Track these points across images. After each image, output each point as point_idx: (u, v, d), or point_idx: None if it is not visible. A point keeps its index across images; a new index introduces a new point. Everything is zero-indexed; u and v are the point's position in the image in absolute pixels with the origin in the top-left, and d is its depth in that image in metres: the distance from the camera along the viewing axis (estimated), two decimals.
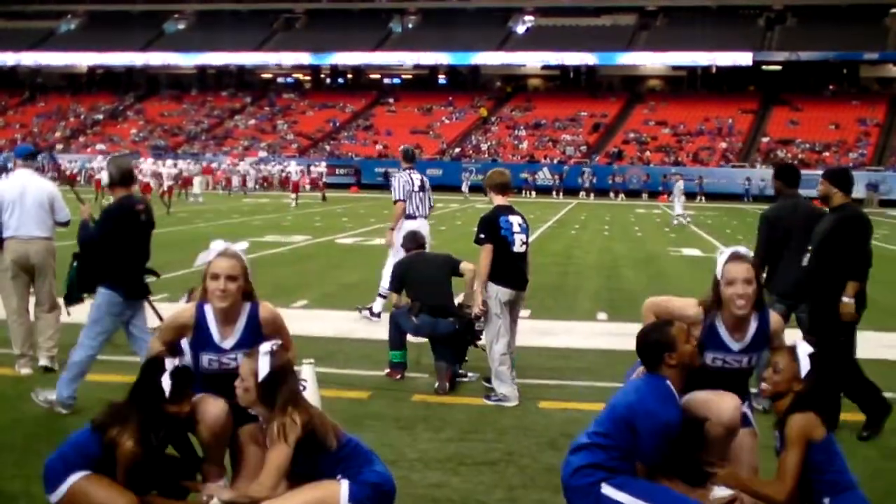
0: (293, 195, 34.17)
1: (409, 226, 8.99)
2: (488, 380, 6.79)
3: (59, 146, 52.17)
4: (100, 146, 51.10)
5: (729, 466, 4.19)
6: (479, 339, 7.02)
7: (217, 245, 4.53)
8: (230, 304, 4.47)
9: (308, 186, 41.84)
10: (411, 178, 9.75)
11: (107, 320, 6.10)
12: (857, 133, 47.40)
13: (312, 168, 44.80)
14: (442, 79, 61.30)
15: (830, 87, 52.60)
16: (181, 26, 60.42)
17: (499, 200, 6.78)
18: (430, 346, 7.08)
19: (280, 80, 63.41)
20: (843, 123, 48.07)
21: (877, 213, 31.24)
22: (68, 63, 60.43)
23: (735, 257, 4.52)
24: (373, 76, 61.98)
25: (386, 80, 61.98)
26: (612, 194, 44.59)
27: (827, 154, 45.48)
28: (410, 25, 60.26)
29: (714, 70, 54.81)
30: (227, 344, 4.54)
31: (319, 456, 4.08)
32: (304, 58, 58.23)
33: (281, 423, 4.06)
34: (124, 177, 6.25)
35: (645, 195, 44.39)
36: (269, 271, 13.18)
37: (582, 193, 44.89)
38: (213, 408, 4.34)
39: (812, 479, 3.81)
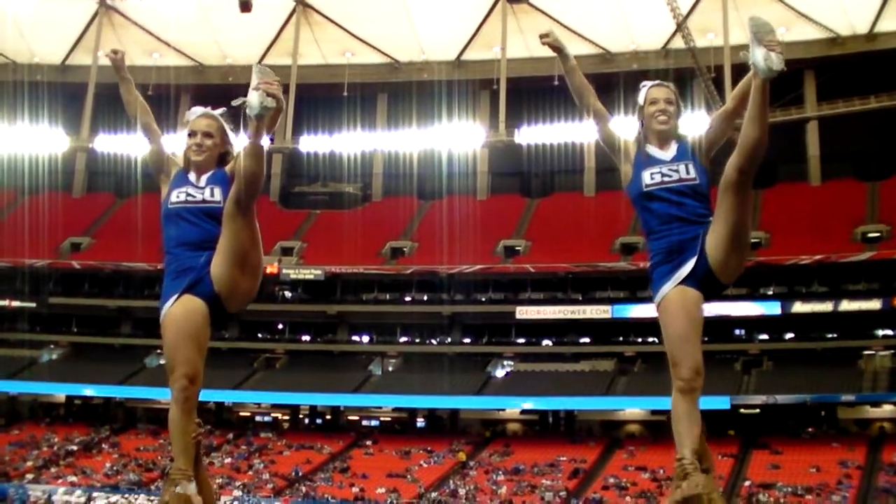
0: None
1: None
2: None
3: (30, 476, 50.95)
4: (71, 478, 50.00)
5: None
6: None
7: (196, 108, 4.92)
8: (205, 160, 4.75)
9: None
10: None
11: None
12: (839, 475, 46.97)
13: None
14: (421, 422, 61.27)
15: (809, 429, 52.84)
16: (162, 361, 60.87)
17: None
18: None
19: (258, 418, 63.27)
20: (823, 466, 47.81)
21: None
22: (47, 392, 60.47)
23: (657, 84, 4.86)
24: (351, 418, 61.92)
25: (364, 422, 61.87)
26: None
27: (809, 497, 44.87)
28: (391, 368, 60.98)
29: None
30: (199, 183, 5.03)
31: None
32: (283, 397, 58.45)
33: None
34: None
35: None
36: None
37: None
38: None
39: None
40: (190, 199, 4.96)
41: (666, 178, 5.02)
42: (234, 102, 4.98)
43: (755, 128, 4.72)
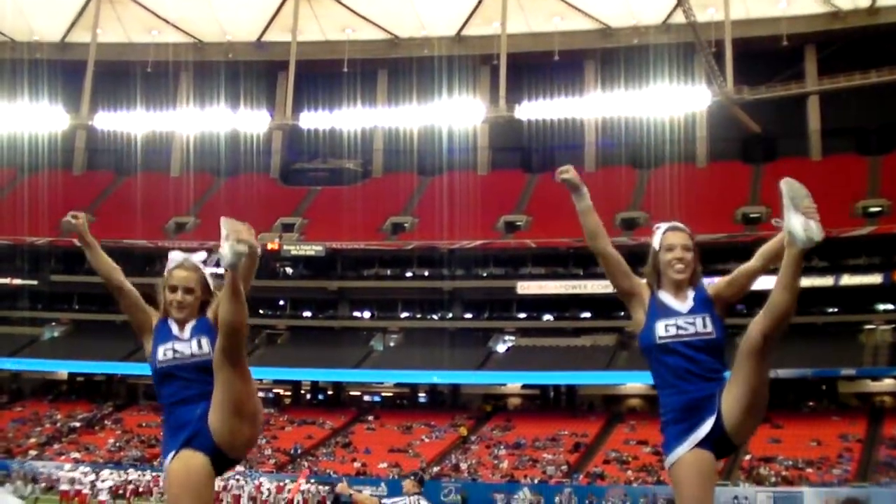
0: None
1: None
2: None
3: (33, 452, 51.19)
4: (74, 454, 50.17)
5: None
6: None
7: (175, 256, 4.81)
8: (186, 316, 4.71)
9: None
10: None
11: None
12: (839, 449, 47.24)
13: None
14: (422, 397, 61.48)
15: (810, 403, 53.04)
16: None
17: None
18: None
19: (260, 394, 63.15)
20: (824, 440, 48.03)
21: None
22: (49, 370, 60.78)
23: (674, 227, 4.66)
24: (353, 393, 62.13)
25: (366, 398, 62.10)
26: None
27: (810, 470, 45.09)
28: (392, 344, 61.11)
29: None
30: (183, 336, 4.87)
31: None
32: (285, 373, 58.61)
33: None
34: None
35: None
36: None
37: None
38: None
39: None
40: (178, 355, 4.84)
41: (681, 332, 4.76)
42: (209, 261, 4.87)
43: (786, 296, 4.48)
